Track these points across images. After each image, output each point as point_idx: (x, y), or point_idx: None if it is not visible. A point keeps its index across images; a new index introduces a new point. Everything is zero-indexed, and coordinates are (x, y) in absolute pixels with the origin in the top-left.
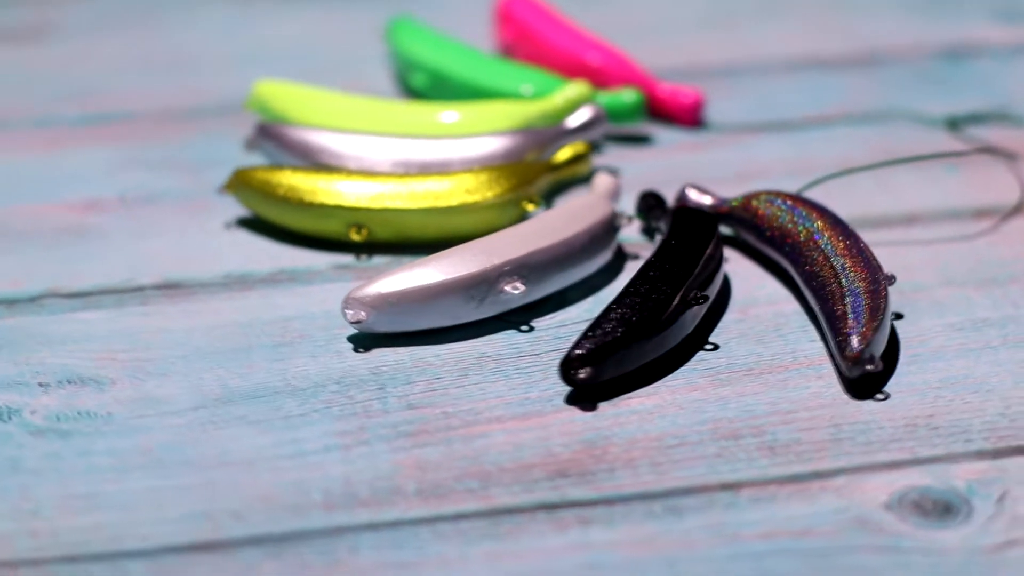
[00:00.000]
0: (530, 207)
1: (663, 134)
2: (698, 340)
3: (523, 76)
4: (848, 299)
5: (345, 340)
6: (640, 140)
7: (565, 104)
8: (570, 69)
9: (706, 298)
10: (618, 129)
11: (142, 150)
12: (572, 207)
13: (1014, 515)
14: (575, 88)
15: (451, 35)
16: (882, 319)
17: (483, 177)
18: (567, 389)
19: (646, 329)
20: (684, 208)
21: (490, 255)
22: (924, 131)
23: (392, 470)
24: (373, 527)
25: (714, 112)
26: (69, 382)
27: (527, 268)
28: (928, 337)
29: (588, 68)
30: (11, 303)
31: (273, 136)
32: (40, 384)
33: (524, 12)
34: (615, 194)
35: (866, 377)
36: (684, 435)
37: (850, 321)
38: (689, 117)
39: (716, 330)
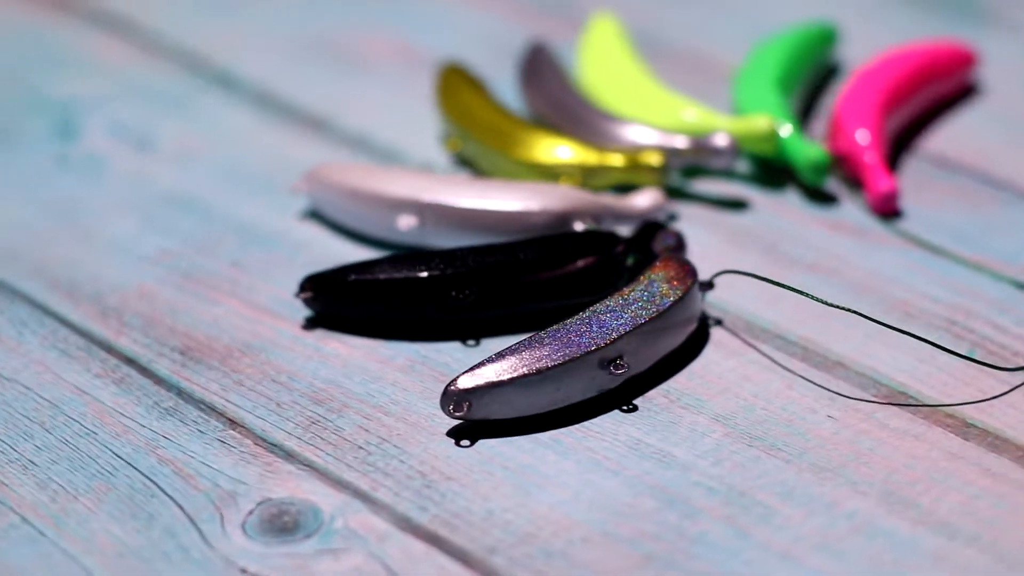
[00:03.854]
0: (562, 180)
1: (848, 208)
2: (467, 333)
3: (779, 113)
4: (524, 348)
5: (309, 207)
6: (826, 199)
7: (728, 127)
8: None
9: (468, 299)
10: (805, 181)
11: (516, 31)
12: (540, 189)
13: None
14: (753, 121)
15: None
16: (510, 383)
17: (551, 143)
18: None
19: (377, 290)
20: (611, 234)
21: (409, 188)
22: None
23: (132, 288)
24: (33, 305)
25: (929, 220)
26: (137, 139)
27: (429, 214)
28: (604, 440)
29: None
30: (217, 79)
31: (527, 60)
32: (114, 125)
33: (878, 70)
34: (649, 211)
35: (490, 425)
36: (299, 380)
37: (492, 362)
38: (877, 204)
39: (505, 336)
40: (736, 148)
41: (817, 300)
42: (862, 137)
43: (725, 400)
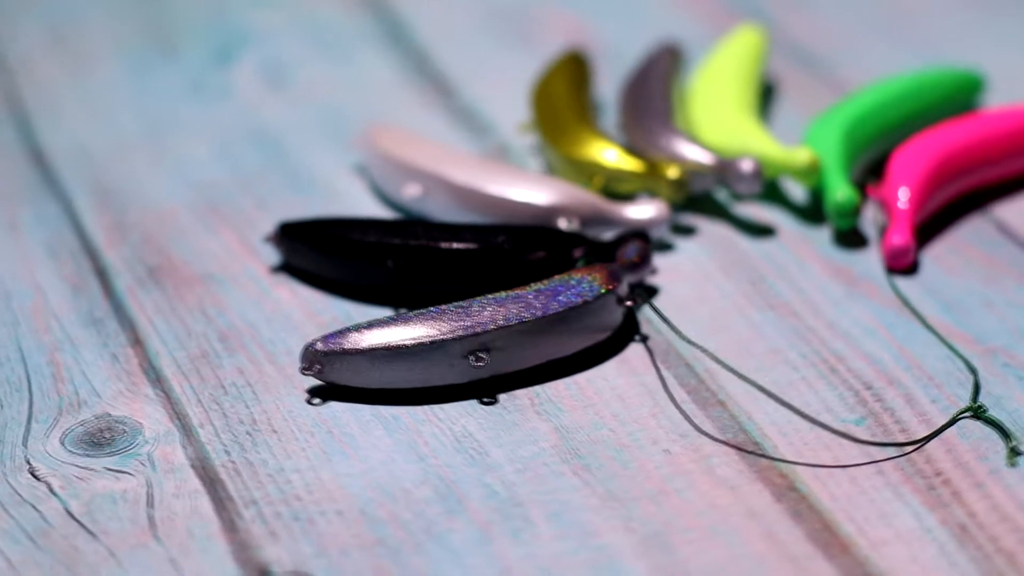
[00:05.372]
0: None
1: (868, 255)
2: (399, 301)
3: (830, 151)
4: (393, 323)
5: (353, 162)
6: (856, 242)
7: (771, 155)
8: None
9: (401, 271)
10: (830, 221)
11: (694, 30)
12: (539, 181)
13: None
14: (795, 153)
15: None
16: (362, 354)
17: (591, 143)
18: None
19: (323, 246)
20: (574, 234)
21: (420, 159)
22: None
23: (157, 208)
24: (64, 207)
25: (936, 282)
26: (276, 76)
27: (431, 186)
28: (438, 426)
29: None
30: (389, 30)
31: (646, 59)
32: (266, 59)
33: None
34: (643, 222)
35: (349, 390)
36: (225, 315)
37: (355, 331)
38: (887, 256)
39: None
40: (760, 174)
41: (678, 333)
42: (900, 187)
43: (582, 415)
